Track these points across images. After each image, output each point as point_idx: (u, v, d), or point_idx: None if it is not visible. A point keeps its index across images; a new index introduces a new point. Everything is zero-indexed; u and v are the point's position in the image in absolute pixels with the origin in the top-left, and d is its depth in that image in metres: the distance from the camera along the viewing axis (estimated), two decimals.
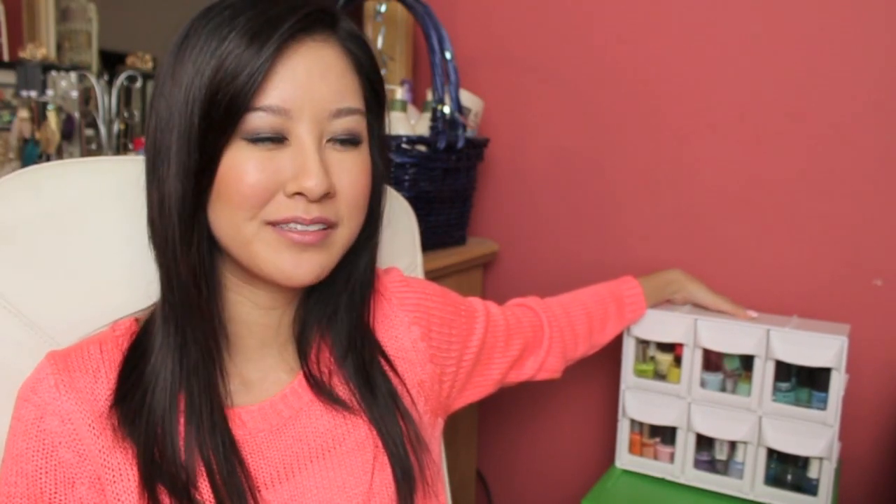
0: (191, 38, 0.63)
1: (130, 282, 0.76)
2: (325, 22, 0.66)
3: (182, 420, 0.66)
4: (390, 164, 0.79)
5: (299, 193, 0.63)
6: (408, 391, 0.81)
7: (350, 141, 0.67)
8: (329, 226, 0.66)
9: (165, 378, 0.66)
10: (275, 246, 0.65)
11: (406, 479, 0.75)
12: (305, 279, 0.66)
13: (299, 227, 0.64)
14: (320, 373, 0.76)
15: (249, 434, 0.69)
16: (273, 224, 0.64)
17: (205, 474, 0.65)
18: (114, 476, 0.63)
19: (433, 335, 0.86)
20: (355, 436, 0.75)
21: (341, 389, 0.76)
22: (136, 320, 0.72)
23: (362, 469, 0.74)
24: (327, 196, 0.64)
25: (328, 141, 0.66)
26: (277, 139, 0.63)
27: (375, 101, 0.72)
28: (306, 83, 0.63)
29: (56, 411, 0.63)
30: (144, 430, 0.64)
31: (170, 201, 0.63)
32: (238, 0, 0.63)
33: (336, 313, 0.77)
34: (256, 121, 0.62)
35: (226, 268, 0.70)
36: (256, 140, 0.62)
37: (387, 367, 0.80)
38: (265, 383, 0.74)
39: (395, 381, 0.80)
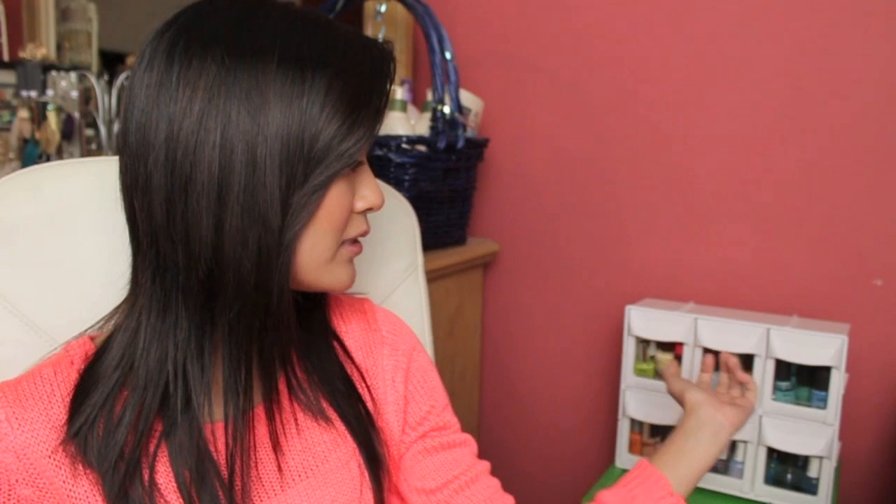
0: (268, 75, 0.60)
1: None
2: None
3: (153, 442, 0.64)
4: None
5: (370, 209, 0.70)
6: (373, 398, 0.79)
7: None
8: None
9: (137, 405, 0.63)
10: (346, 261, 0.70)
11: (378, 474, 0.74)
12: (353, 283, 0.72)
13: (360, 239, 0.71)
14: (296, 387, 0.74)
15: (220, 452, 0.67)
16: (346, 241, 0.69)
17: (178, 494, 0.63)
18: (80, 503, 0.62)
19: (412, 379, 0.83)
20: (338, 452, 0.74)
21: (314, 400, 0.74)
22: (91, 338, 0.69)
23: (351, 486, 0.73)
24: None
25: None
26: None
27: None
28: None
29: (10, 447, 0.61)
30: (110, 457, 0.62)
31: (270, 227, 0.61)
32: (316, 38, 0.63)
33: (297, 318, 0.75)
34: (359, 155, 0.65)
35: None
36: (356, 165, 0.67)
37: (350, 365, 0.78)
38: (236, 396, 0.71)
39: (361, 387, 0.78)
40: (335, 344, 0.79)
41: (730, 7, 1.43)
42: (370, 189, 0.69)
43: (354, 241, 0.71)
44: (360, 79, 0.64)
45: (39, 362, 0.67)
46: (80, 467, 0.62)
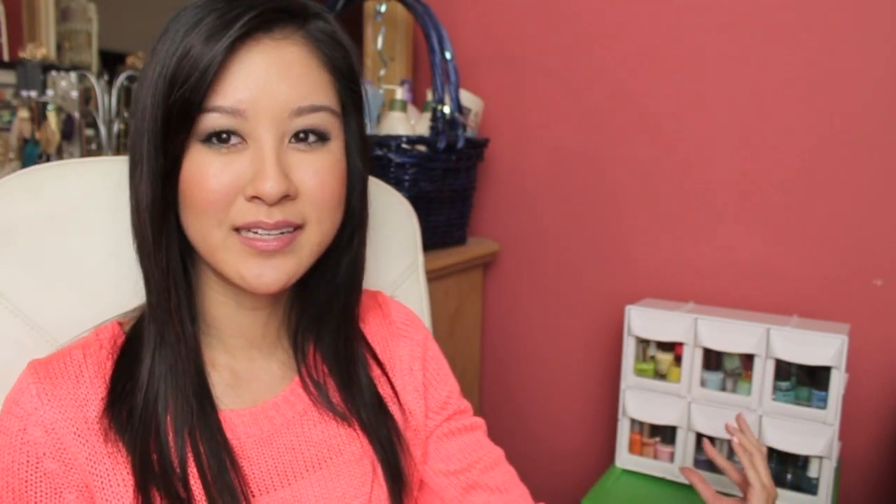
0: (161, 40, 0.63)
1: (132, 281, 0.76)
2: (287, 19, 0.64)
3: (175, 422, 0.65)
4: (371, 165, 0.74)
5: (258, 197, 0.61)
6: (399, 400, 0.79)
7: (315, 139, 0.65)
8: (295, 228, 0.64)
9: (154, 379, 0.65)
10: (239, 254, 0.64)
11: (400, 491, 0.75)
12: (271, 287, 0.64)
13: (262, 231, 0.63)
14: (317, 381, 0.75)
15: (238, 439, 0.69)
16: (238, 230, 0.63)
17: (197, 476, 0.64)
18: (102, 483, 0.62)
19: (429, 367, 0.84)
20: (352, 447, 0.74)
21: (333, 397, 0.75)
22: (120, 324, 0.71)
23: (361, 481, 0.73)
24: (288, 198, 0.63)
25: (291, 140, 0.64)
26: (235, 141, 0.62)
27: (352, 101, 0.70)
28: (263, 82, 0.61)
29: (39, 421, 0.62)
30: (138, 433, 0.63)
31: (143, 205, 0.64)
32: (209, 0, 0.62)
33: (323, 318, 0.76)
34: (210, 122, 0.61)
35: (207, 268, 0.70)
36: (211, 142, 0.62)
37: (378, 372, 0.79)
38: (257, 385, 0.73)
39: (386, 389, 0.79)
40: (363, 348, 0.79)
41: (730, 7, 1.43)
42: (258, 171, 0.61)
43: (253, 231, 0.63)
44: (224, 15, 0.61)
45: (69, 344, 0.68)
46: (111, 444, 0.63)
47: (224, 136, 0.62)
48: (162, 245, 0.64)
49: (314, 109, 0.64)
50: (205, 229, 0.63)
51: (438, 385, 0.83)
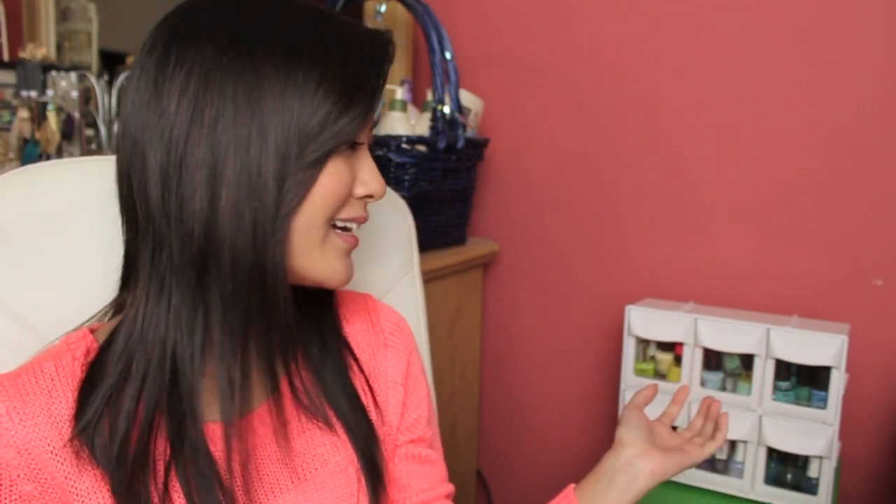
0: (264, 65, 0.61)
1: None
2: None
3: (155, 438, 0.63)
4: None
5: (370, 196, 0.69)
6: (380, 411, 0.79)
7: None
8: None
9: (141, 400, 0.62)
10: (335, 250, 0.68)
11: (380, 501, 0.74)
12: (349, 280, 0.70)
13: (353, 228, 0.69)
14: (300, 388, 0.74)
15: (223, 453, 0.66)
16: (336, 226, 0.68)
17: (181, 493, 0.63)
18: (82, 500, 0.61)
19: (409, 385, 0.83)
20: (337, 457, 0.73)
21: (318, 404, 0.74)
22: (91, 330, 0.68)
23: (348, 491, 0.72)
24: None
25: None
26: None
27: None
28: None
29: (11, 442, 0.60)
30: (115, 453, 0.61)
31: (264, 213, 0.62)
32: (310, 26, 0.64)
33: (308, 322, 0.75)
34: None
35: None
36: (354, 145, 0.67)
37: (362, 380, 0.78)
38: (242, 394, 0.69)
39: (368, 399, 0.78)
40: (346, 353, 0.78)
41: (730, 7, 1.42)
42: (372, 175, 0.69)
43: (347, 230, 0.69)
44: (356, 60, 0.65)
45: (38, 354, 0.66)
46: (86, 463, 0.61)
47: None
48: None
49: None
50: (317, 226, 0.65)
51: (413, 405, 0.82)
